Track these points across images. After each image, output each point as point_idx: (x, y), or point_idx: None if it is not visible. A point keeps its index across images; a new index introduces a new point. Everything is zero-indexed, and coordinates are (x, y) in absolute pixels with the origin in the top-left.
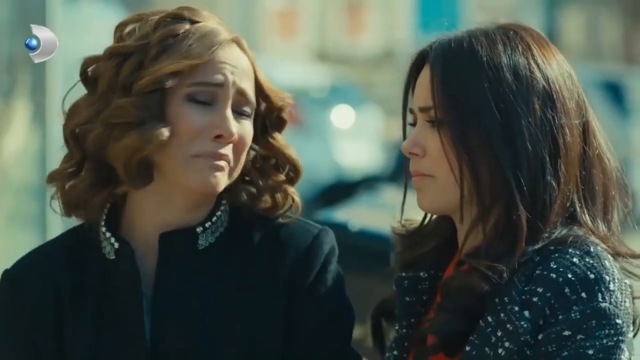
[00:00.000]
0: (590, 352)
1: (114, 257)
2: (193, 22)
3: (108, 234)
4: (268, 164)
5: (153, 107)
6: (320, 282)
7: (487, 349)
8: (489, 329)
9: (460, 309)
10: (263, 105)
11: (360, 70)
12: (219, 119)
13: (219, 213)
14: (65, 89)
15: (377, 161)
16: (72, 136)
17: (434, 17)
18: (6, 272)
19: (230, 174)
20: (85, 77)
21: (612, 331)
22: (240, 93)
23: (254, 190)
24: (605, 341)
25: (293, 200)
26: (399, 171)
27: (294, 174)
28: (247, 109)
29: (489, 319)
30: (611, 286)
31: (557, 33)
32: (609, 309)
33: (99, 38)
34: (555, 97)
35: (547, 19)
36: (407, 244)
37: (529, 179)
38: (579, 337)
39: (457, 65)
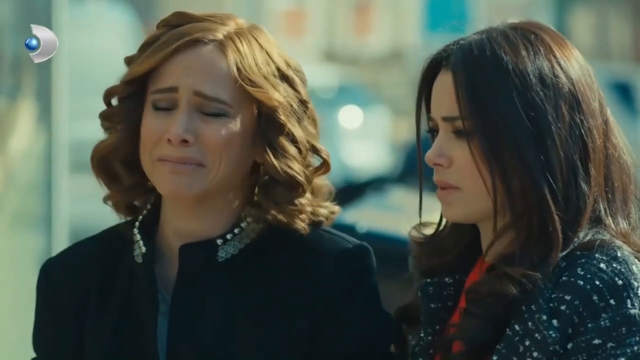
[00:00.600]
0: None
1: (141, 260)
2: (177, 25)
3: (138, 237)
4: (273, 184)
5: (126, 115)
6: (349, 299)
7: (514, 358)
8: (517, 338)
9: (489, 316)
10: (262, 110)
11: (368, 70)
12: (170, 123)
13: (243, 224)
14: (71, 88)
15: (385, 162)
16: None
17: (442, 17)
18: (48, 260)
19: (206, 175)
20: None
21: None
22: (199, 94)
23: (259, 214)
24: (636, 348)
25: (303, 220)
26: (407, 172)
27: (293, 190)
28: (214, 110)
29: (516, 327)
30: None
31: (566, 33)
32: (638, 315)
33: (104, 38)
34: (580, 98)
35: (556, 19)
36: (427, 251)
37: (563, 186)
38: (609, 345)
39: (483, 74)
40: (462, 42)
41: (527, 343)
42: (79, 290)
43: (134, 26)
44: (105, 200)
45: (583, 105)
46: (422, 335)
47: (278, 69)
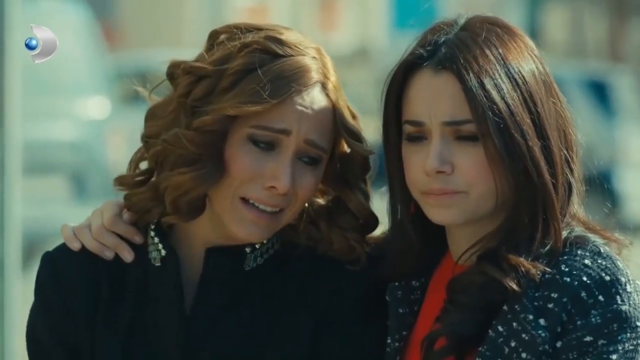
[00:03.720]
0: (614, 357)
1: (159, 264)
2: (278, 55)
3: (156, 240)
4: (342, 210)
5: (211, 145)
6: (353, 314)
7: None
8: (501, 339)
9: (480, 306)
10: (344, 148)
11: None
12: (276, 169)
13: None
14: (23, 87)
15: None
16: (144, 144)
17: (410, 14)
18: (47, 252)
19: (282, 220)
20: (171, 79)
21: (634, 334)
22: (308, 143)
23: (317, 234)
24: (627, 345)
25: (358, 253)
26: (375, 173)
27: (367, 228)
28: (314, 156)
29: (500, 328)
30: (628, 288)
31: (540, 30)
32: (629, 311)
33: (58, 37)
34: (556, 88)
35: (529, 15)
36: (391, 254)
37: (561, 181)
38: (600, 342)
39: (489, 74)
40: (444, 40)
41: (513, 344)
42: (90, 286)
43: (89, 24)
44: (132, 205)
45: (553, 91)
46: (389, 341)
47: (347, 105)
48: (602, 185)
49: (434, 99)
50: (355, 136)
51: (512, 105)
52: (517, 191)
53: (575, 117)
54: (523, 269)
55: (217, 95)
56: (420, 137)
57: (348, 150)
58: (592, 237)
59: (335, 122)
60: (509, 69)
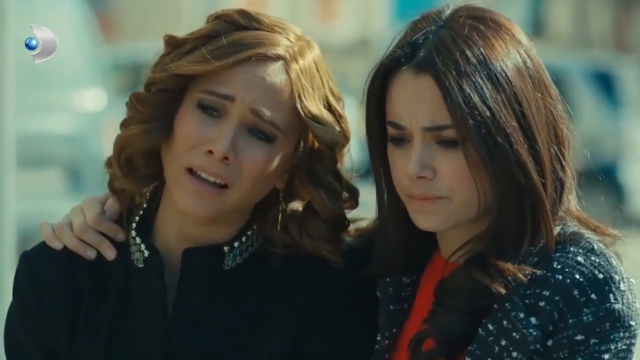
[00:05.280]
0: (606, 356)
1: (142, 265)
2: (243, 27)
3: (138, 240)
4: (310, 213)
5: (162, 106)
6: (335, 312)
7: (489, 359)
8: (491, 338)
9: (469, 310)
10: (315, 142)
11: (334, 59)
12: (216, 133)
13: (249, 232)
14: (18, 80)
15: (351, 156)
16: None
17: (411, 3)
18: (26, 252)
19: (227, 198)
20: None
21: (627, 334)
22: (255, 113)
23: (289, 240)
24: (619, 345)
25: (334, 259)
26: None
27: (335, 228)
28: (264, 131)
29: (490, 327)
30: (622, 286)
31: (544, 21)
32: (622, 310)
33: (54, 30)
34: (546, 82)
35: (533, 6)
36: (381, 251)
37: (551, 179)
38: (592, 341)
39: (469, 77)
40: (423, 41)
41: (503, 343)
42: (70, 286)
43: (85, 15)
44: (114, 188)
45: (544, 89)
46: (378, 339)
47: (326, 97)
48: (607, 179)
49: (415, 102)
50: (320, 123)
51: (495, 108)
52: (502, 195)
53: (580, 109)
54: (510, 274)
55: (176, 59)
56: (403, 139)
57: (317, 144)
58: (586, 233)
59: (294, 104)
60: (490, 69)
